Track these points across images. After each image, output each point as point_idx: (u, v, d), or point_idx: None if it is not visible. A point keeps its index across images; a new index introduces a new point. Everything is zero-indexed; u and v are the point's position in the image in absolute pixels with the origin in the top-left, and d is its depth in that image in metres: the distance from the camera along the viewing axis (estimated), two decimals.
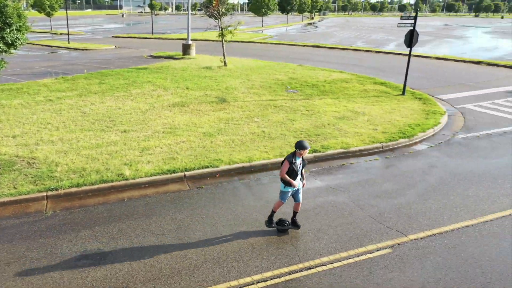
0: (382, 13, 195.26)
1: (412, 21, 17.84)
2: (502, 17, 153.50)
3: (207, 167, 10.37)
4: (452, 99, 19.21)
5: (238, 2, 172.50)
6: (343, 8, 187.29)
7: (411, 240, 7.59)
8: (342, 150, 11.93)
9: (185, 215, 8.35)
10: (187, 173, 10.07)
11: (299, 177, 7.51)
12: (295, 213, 7.92)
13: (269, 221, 7.79)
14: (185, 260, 6.89)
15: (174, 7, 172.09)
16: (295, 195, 7.67)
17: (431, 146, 12.89)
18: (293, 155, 7.37)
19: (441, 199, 9.27)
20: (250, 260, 6.93)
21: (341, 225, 8.09)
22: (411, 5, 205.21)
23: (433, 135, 13.99)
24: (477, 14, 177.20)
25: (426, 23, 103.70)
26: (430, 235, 7.75)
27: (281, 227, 7.80)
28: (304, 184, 7.75)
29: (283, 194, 7.59)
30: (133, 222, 8.03)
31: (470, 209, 8.77)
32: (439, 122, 14.88)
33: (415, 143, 13.14)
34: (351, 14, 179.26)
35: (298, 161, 7.40)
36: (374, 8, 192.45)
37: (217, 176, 10.25)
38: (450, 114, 16.48)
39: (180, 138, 12.41)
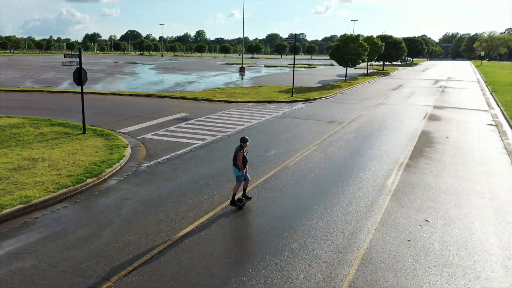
0: (51, 51, 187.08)
1: (78, 60, 17.66)
2: (162, 55, 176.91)
3: None
4: (133, 131, 20.25)
5: None
6: (3, 46, 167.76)
7: (114, 283, 7.30)
8: (22, 206, 10.33)
9: None
10: None
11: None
12: (244, 189, 10.85)
13: (233, 203, 10.53)
14: None
15: None
16: (245, 176, 10.56)
17: (120, 180, 13.03)
18: (241, 147, 10.28)
19: (137, 230, 9.43)
20: None
21: None
22: (79, 43, 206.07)
23: (120, 168, 14.23)
24: (142, 52, 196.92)
25: (99, 60, 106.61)
26: (132, 270, 7.70)
27: (242, 204, 10.61)
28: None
29: (239, 178, 10.47)
30: None
31: (163, 232, 9.32)
32: (123, 155, 15.30)
33: (104, 180, 12.97)
34: (13, 53, 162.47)
35: (246, 150, 10.41)
36: (40, 46, 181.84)
37: None
38: (132, 145, 17.28)
39: None
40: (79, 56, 17.63)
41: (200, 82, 48.94)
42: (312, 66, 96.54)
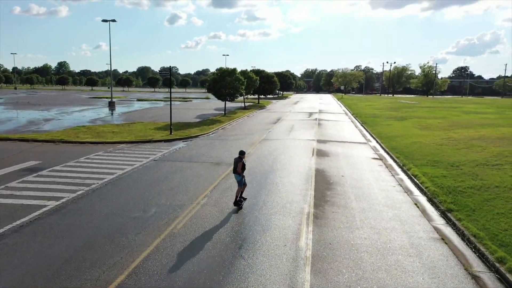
0: None
1: None
2: (16, 88, 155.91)
3: None
4: None
5: None
6: None
7: None
8: None
9: None
10: None
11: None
12: (242, 192, 13.75)
13: (236, 203, 13.55)
14: None
15: None
16: (244, 182, 13.71)
17: None
18: (240, 159, 13.51)
19: None
20: None
21: None
22: None
23: None
24: None
25: None
26: None
27: (242, 204, 13.61)
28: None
29: (240, 183, 13.57)
30: None
31: None
32: None
33: None
34: None
35: (244, 160, 13.64)
36: None
37: None
38: None
39: None
40: None
41: (61, 119, 42.20)
42: (188, 99, 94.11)
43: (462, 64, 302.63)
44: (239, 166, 13.35)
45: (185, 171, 19.03)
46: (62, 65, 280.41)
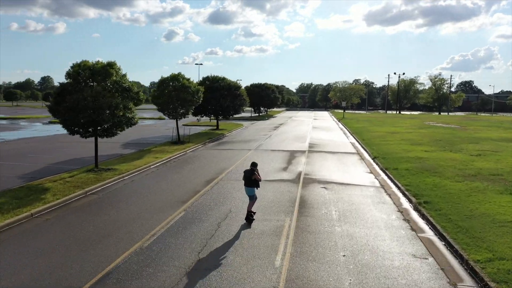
0: None
1: None
2: None
3: None
4: None
5: None
6: None
7: None
8: None
9: None
10: None
11: None
12: (252, 206, 13.37)
13: (248, 218, 12.98)
14: None
15: None
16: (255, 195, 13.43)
17: None
18: (253, 170, 12.91)
19: None
20: None
21: None
22: None
23: None
24: None
25: None
26: None
27: (253, 217, 13.15)
28: None
29: (253, 197, 13.12)
30: None
31: None
32: None
33: None
34: None
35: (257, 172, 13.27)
36: None
37: None
38: None
39: None
40: None
41: None
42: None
43: (457, 80, 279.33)
44: (256, 177, 12.94)
45: None
46: (45, 79, 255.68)
